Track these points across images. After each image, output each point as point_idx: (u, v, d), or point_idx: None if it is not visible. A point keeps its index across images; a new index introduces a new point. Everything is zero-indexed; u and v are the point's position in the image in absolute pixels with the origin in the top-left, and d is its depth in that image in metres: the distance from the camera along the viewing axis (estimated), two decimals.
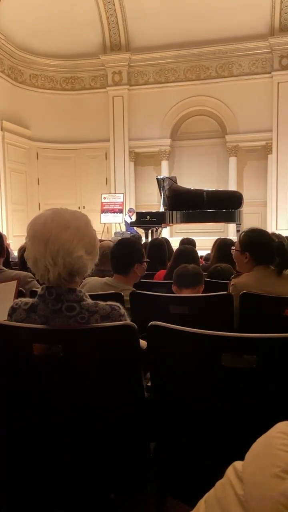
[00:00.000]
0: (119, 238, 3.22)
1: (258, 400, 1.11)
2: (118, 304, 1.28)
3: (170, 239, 5.39)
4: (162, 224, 8.90)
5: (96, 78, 12.27)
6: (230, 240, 3.67)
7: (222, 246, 3.41)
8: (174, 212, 8.77)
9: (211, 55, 11.40)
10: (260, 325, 1.95)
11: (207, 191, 8.93)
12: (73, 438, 1.25)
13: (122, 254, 2.30)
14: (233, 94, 11.34)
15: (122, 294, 2.05)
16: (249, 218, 10.27)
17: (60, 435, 1.26)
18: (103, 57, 11.84)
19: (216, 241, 3.54)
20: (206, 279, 2.71)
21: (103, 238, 7.77)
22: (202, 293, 2.27)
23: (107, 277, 2.33)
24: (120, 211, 11.42)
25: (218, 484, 0.55)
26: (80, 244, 1.21)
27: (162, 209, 8.98)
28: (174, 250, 3.33)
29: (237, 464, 0.54)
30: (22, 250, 3.79)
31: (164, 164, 12.02)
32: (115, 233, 11.20)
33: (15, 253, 5.27)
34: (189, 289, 2.23)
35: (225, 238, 3.69)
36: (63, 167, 12.41)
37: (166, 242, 4.14)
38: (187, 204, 8.78)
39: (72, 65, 12.16)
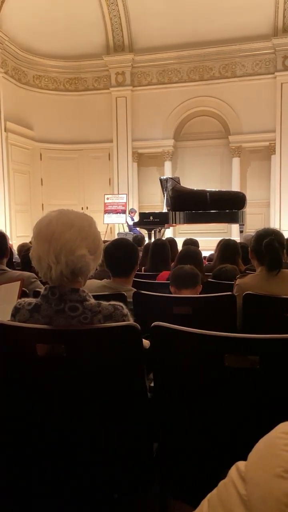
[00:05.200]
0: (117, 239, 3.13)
1: (261, 400, 1.11)
2: (121, 304, 1.28)
3: None
4: (165, 224, 8.90)
5: (99, 79, 12.30)
6: (234, 241, 3.66)
7: (225, 247, 3.41)
8: (177, 213, 8.76)
9: (214, 56, 11.39)
10: (263, 326, 1.95)
11: (210, 192, 8.92)
12: (76, 438, 1.25)
13: (125, 257, 2.24)
14: (236, 94, 11.34)
15: (125, 294, 2.05)
16: (252, 219, 10.26)
17: (63, 435, 1.26)
18: (106, 58, 11.86)
19: (220, 241, 3.53)
20: (210, 280, 2.71)
21: (106, 239, 7.78)
22: (205, 294, 2.26)
23: (105, 279, 2.28)
24: (123, 211, 11.42)
25: (221, 484, 0.55)
26: (83, 243, 1.22)
27: (165, 210, 8.98)
28: (179, 251, 3.31)
29: (240, 464, 0.54)
30: (23, 250, 3.80)
31: (167, 164, 12.03)
32: (118, 233, 11.21)
33: None
34: (189, 289, 2.22)
35: (229, 239, 3.68)
36: (66, 168, 12.43)
37: (170, 242, 4.12)
38: (190, 204, 8.77)
39: (76, 66, 12.19)
